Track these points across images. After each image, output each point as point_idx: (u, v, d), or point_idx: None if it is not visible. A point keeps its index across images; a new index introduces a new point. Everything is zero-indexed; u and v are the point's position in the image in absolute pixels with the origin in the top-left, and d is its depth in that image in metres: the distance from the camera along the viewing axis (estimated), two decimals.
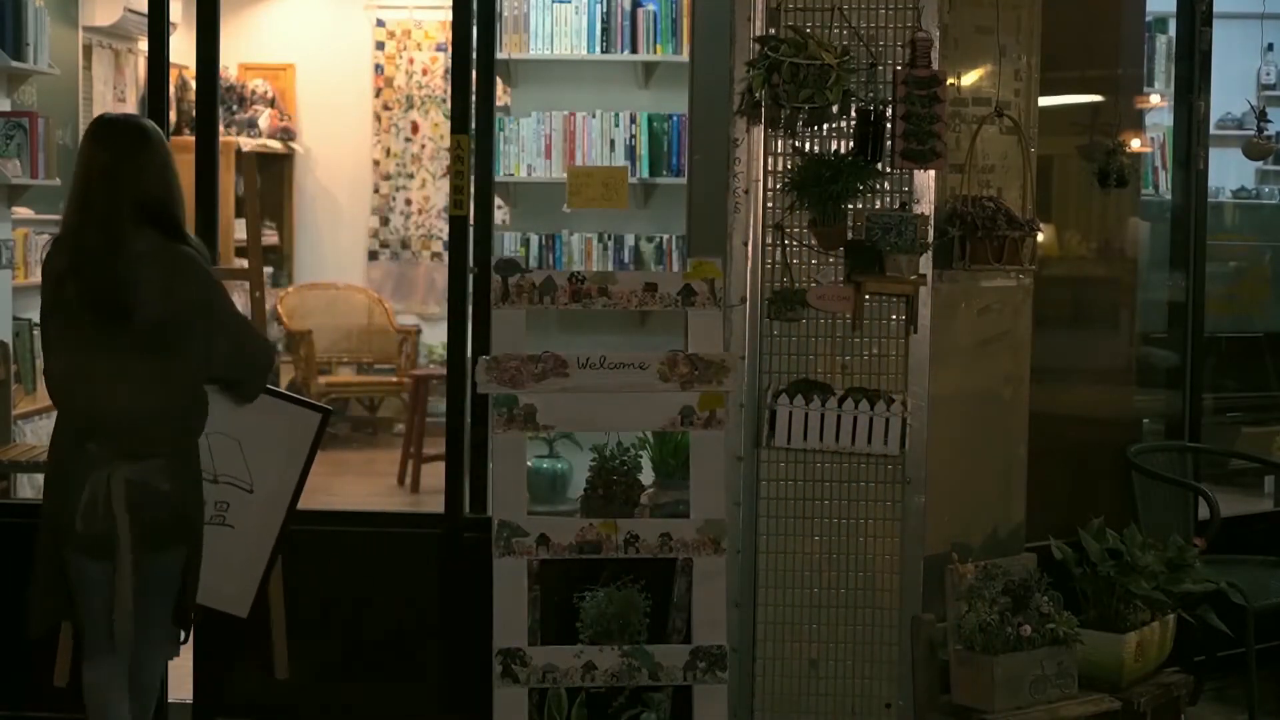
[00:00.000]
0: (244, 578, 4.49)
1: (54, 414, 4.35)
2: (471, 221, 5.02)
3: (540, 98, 7.42)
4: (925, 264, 4.42)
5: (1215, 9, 5.84)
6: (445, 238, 7.03)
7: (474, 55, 5.04)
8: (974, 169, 4.62)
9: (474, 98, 5.02)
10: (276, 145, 10.30)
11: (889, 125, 4.39)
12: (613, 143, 7.28)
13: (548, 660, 4.05)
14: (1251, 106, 6.81)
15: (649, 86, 7.35)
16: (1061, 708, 4.25)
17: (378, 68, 10.62)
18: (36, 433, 6.95)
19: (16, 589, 4.84)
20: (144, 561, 4.07)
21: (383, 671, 5.09)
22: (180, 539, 4.15)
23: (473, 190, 4.98)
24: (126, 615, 4.07)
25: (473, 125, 5.01)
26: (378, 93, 10.63)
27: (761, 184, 4.49)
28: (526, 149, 7.37)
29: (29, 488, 6.72)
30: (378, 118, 10.66)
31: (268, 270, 10.21)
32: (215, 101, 5.17)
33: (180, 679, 5.15)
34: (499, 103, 8.93)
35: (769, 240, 4.49)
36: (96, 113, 8.88)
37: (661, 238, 7.32)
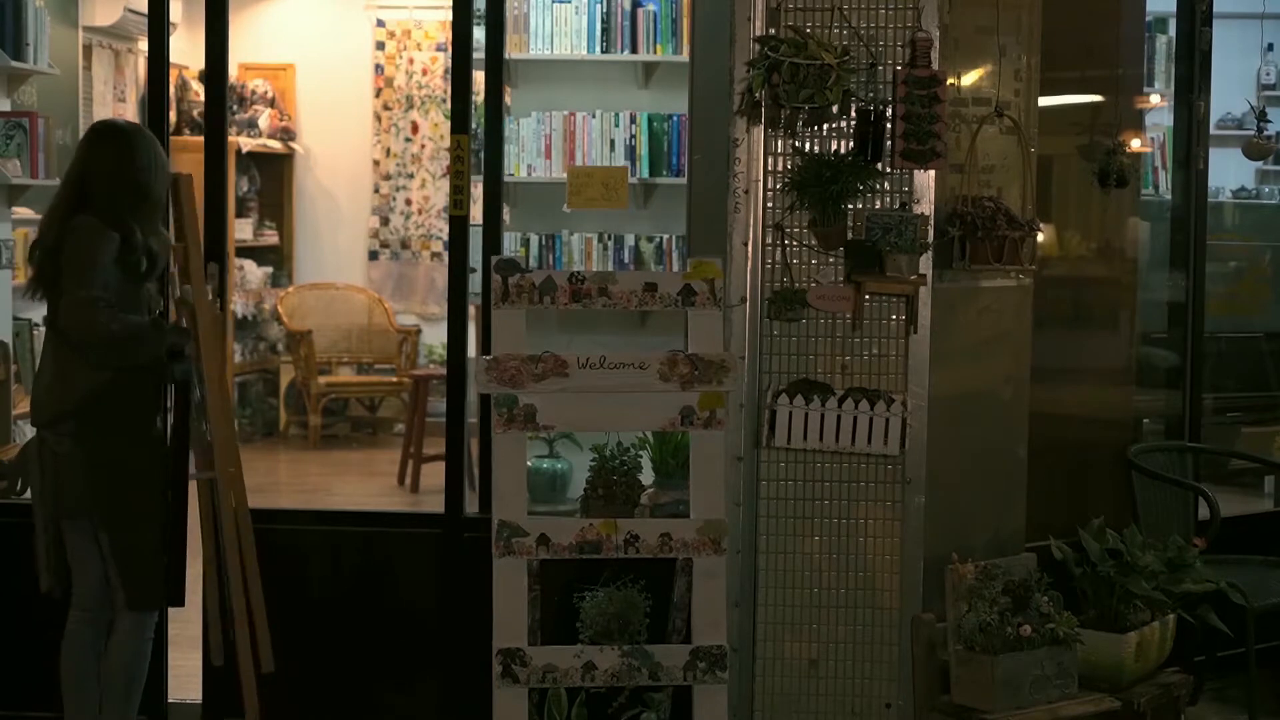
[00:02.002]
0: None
1: None
2: (480, 221, 5.03)
3: (540, 98, 7.41)
4: (925, 264, 4.42)
5: (1215, 9, 5.83)
6: (445, 238, 7.03)
7: (482, 56, 5.05)
8: (974, 169, 4.62)
9: (483, 97, 5.04)
10: (276, 145, 10.31)
11: (889, 125, 4.39)
12: (613, 143, 7.28)
13: (548, 660, 4.05)
14: (1251, 106, 6.82)
15: (649, 86, 7.34)
16: (1061, 708, 4.24)
17: (378, 68, 10.63)
18: None
19: (17, 588, 4.86)
20: (97, 526, 4.39)
21: (383, 671, 5.09)
22: (90, 506, 4.37)
23: (480, 190, 4.98)
24: (45, 570, 4.45)
25: (474, 125, 5.02)
26: (378, 93, 10.63)
27: (761, 184, 4.48)
28: (526, 149, 7.37)
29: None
30: (378, 118, 10.66)
31: (267, 270, 10.21)
32: (224, 102, 5.18)
33: (182, 679, 5.16)
34: None
35: (769, 240, 4.49)
36: (96, 112, 8.90)
37: (661, 238, 7.32)
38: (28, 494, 4.53)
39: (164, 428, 4.52)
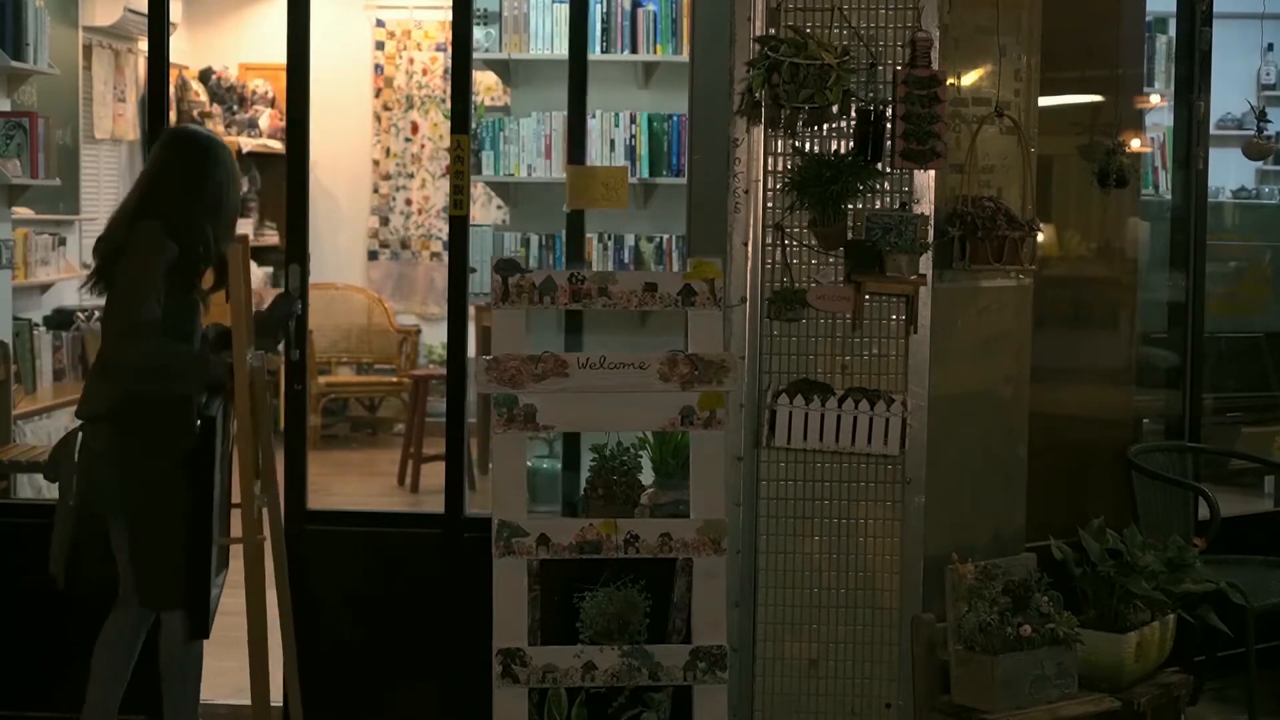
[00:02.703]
0: None
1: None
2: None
3: (540, 98, 7.42)
4: (925, 264, 4.42)
5: (1215, 9, 5.84)
6: (445, 238, 7.03)
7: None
8: (974, 169, 4.62)
9: (568, 88, 5.10)
10: (276, 145, 10.30)
11: (889, 125, 4.39)
12: (613, 143, 7.28)
13: (548, 660, 4.05)
14: (1251, 106, 6.82)
15: (649, 86, 7.35)
16: (1061, 708, 4.24)
17: (378, 68, 10.63)
18: (36, 433, 6.95)
19: (18, 588, 4.86)
20: (110, 521, 4.42)
21: (382, 671, 5.09)
22: (119, 505, 4.40)
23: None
24: (58, 560, 4.43)
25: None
26: (378, 93, 10.64)
27: (761, 184, 4.48)
28: (526, 149, 7.37)
29: (29, 488, 6.72)
30: (378, 118, 10.66)
31: (268, 270, 10.21)
32: (307, 109, 5.14)
33: None
34: (499, 103, 8.96)
35: (769, 240, 4.49)
36: (96, 112, 8.91)
37: (661, 238, 7.32)
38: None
39: (197, 435, 4.51)
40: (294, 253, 5.08)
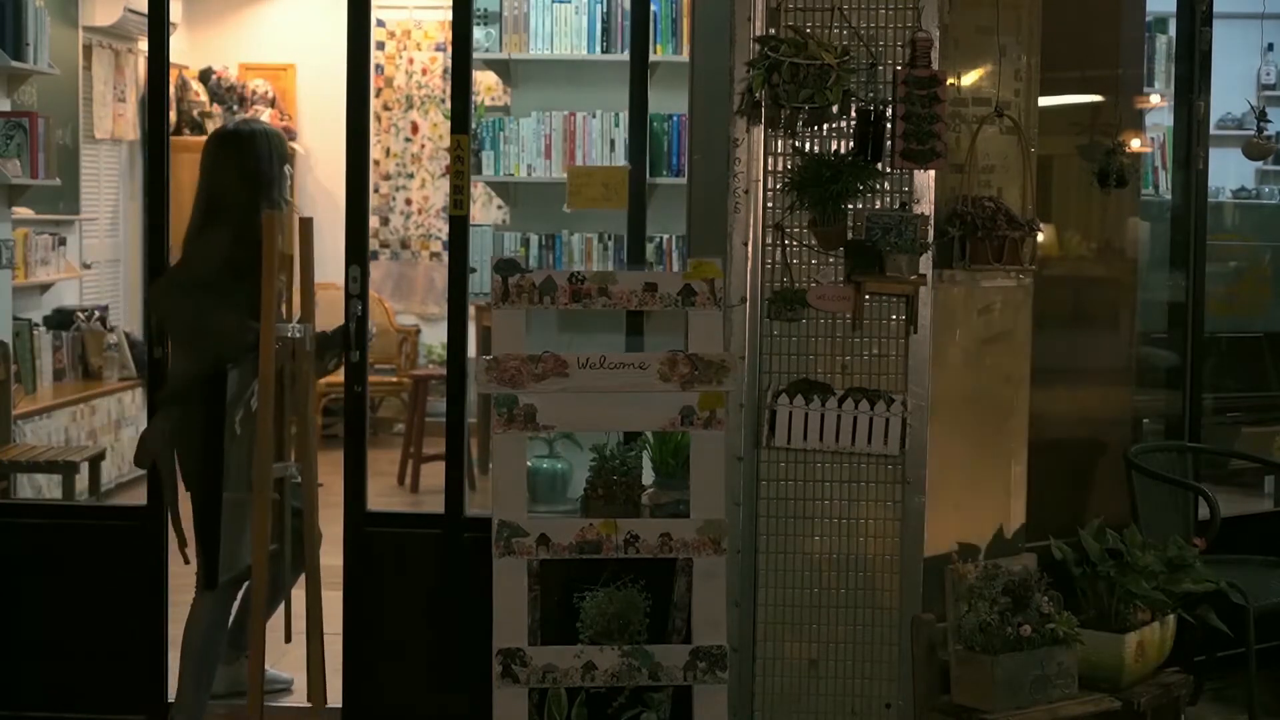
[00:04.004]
0: None
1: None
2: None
3: (540, 98, 7.41)
4: (925, 264, 4.42)
5: (1215, 9, 5.83)
6: (445, 238, 7.02)
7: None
8: (974, 169, 4.62)
9: (628, 91, 5.19)
10: None
11: (889, 125, 4.39)
12: (613, 143, 7.28)
13: (548, 660, 4.05)
14: (1251, 106, 6.82)
15: (649, 86, 7.33)
16: (1061, 708, 4.24)
17: (378, 68, 10.62)
18: (36, 433, 6.95)
19: (18, 588, 4.85)
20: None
21: (382, 671, 5.09)
22: (190, 483, 4.63)
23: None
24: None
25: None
26: (378, 93, 10.63)
27: (761, 184, 4.48)
28: (526, 149, 7.37)
29: (28, 488, 6.72)
30: (378, 118, 10.66)
31: None
32: (366, 110, 5.14)
33: None
34: (499, 103, 8.96)
35: (769, 240, 4.49)
36: (96, 112, 8.90)
37: (661, 238, 7.31)
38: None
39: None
40: (353, 254, 5.08)
